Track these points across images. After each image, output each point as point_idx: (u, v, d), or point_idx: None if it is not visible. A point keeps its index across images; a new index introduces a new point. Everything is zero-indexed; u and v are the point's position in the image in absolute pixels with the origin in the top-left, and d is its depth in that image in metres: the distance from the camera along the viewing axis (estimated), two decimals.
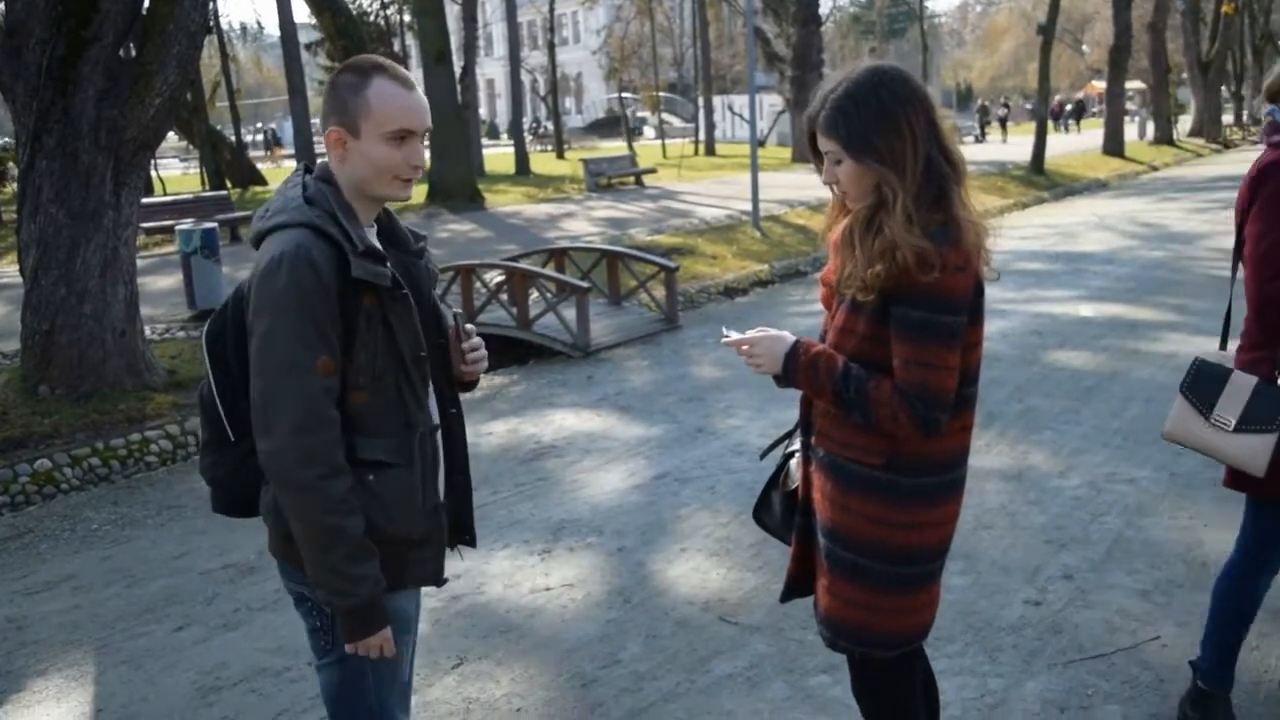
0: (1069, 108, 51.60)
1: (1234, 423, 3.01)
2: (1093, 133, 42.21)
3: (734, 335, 2.56)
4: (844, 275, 2.38)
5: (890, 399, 2.30)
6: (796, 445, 2.69)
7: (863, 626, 2.49)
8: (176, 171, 40.34)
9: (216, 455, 2.40)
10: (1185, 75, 42.66)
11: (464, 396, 2.58)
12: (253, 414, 2.20)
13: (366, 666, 2.35)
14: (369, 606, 2.23)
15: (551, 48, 37.85)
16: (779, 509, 2.77)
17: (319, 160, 2.39)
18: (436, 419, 2.44)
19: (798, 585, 2.69)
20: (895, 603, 2.47)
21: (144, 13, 8.06)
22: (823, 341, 2.51)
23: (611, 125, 53.58)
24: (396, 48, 36.79)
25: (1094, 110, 60.26)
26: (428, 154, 2.39)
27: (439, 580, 2.45)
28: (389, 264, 2.28)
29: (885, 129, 2.30)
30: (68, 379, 7.87)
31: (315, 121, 29.13)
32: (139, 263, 8.98)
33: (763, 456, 2.93)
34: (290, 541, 2.29)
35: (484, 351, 2.54)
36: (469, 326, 2.53)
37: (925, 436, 2.32)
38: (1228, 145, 38.63)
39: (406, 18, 35.83)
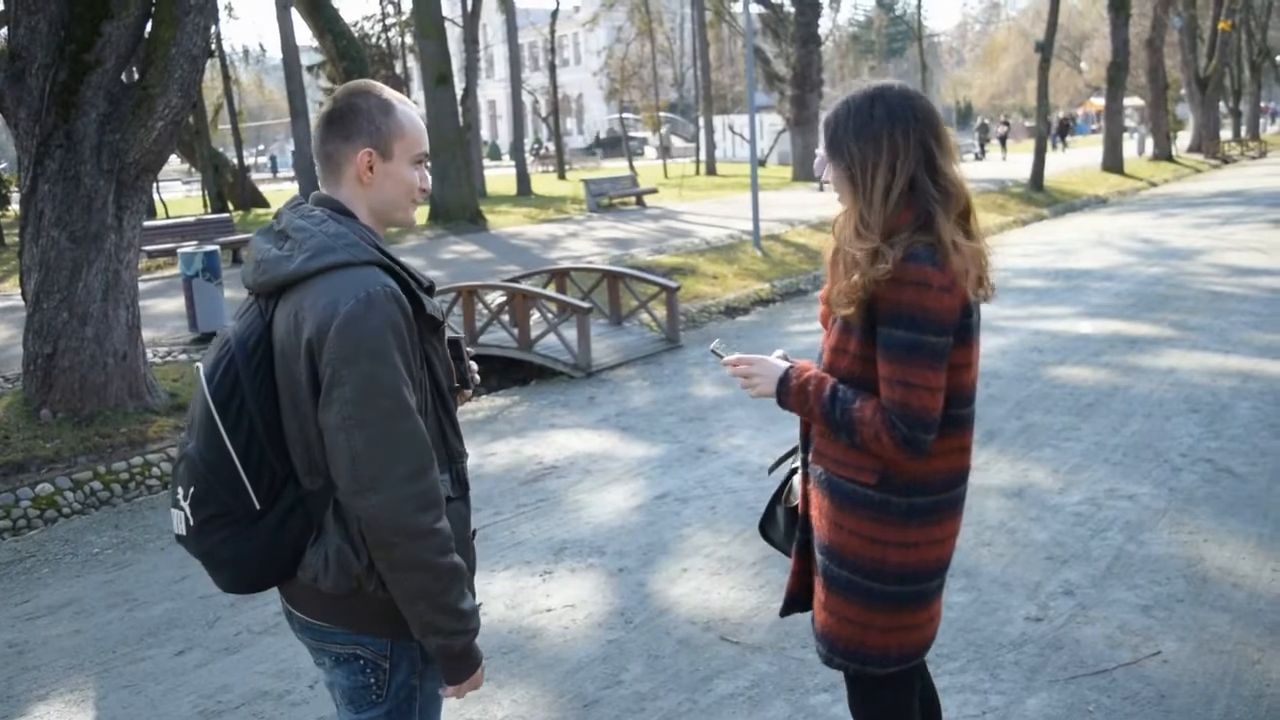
0: (1055, 125, 51.50)
1: None
2: (1079, 150, 42.29)
3: (733, 355, 2.61)
4: (833, 293, 2.42)
5: (873, 418, 2.32)
6: (797, 461, 2.72)
7: (858, 644, 2.50)
8: (179, 194, 40.47)
9: (233, 530, 2.13)
10: (1183, 91, 42.77)
11: (462, 417, 2.59)
12: (353, 469, 2.02)
13: (414, 711, 2.30)
14: (475, 643, 2.19)
15: (552, 69, 37.98)
16: (783, 524, 2.79)
17: (315, 191, 2.31)
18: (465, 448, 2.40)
19: (797, 600, 2.71)
20: (890, 620, 2.48)
21: (146, 37, 8.12)
22: (820, 360, 2.54)
23: (613, 145, 53.78)
24: (398, 70, 36.97)
25: (1092, 128, 60.40)
26: None
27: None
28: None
29: (862, 137, 2.34)
30: (69, 402, 7.89)
31: None
32: (141, 285, 9.02)
33: (770, 471, 2.95)
34: (351, 600, 2.17)
35: (478, 378, 2.54)
36: (468, 349, 2.53)
37: (908, 456, 2.33)
38: (1226, 161, 38.67)
39: (408, 40, 35.98)
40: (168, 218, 24.02)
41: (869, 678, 2.56)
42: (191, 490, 2.13)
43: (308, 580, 2.18)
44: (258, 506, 2.13)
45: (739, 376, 2.59)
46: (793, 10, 33.12)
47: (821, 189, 27.75)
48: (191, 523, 2.14)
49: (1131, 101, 46.63)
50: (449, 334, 2.45)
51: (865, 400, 2.34)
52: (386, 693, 2.26)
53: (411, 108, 2.27)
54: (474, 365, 2.51)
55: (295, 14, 23.96)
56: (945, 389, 2.32)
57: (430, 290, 2.24)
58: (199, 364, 2.19)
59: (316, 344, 2.03)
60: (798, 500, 2.67)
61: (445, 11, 24.98)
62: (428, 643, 2.16)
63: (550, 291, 11.22)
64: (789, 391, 2.48)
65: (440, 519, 2.08)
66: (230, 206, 27.66)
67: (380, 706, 2.27)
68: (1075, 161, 36.22)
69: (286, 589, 2.26)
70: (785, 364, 2.53)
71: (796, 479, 2.72)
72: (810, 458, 2.56)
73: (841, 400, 2.37)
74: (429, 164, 2.36)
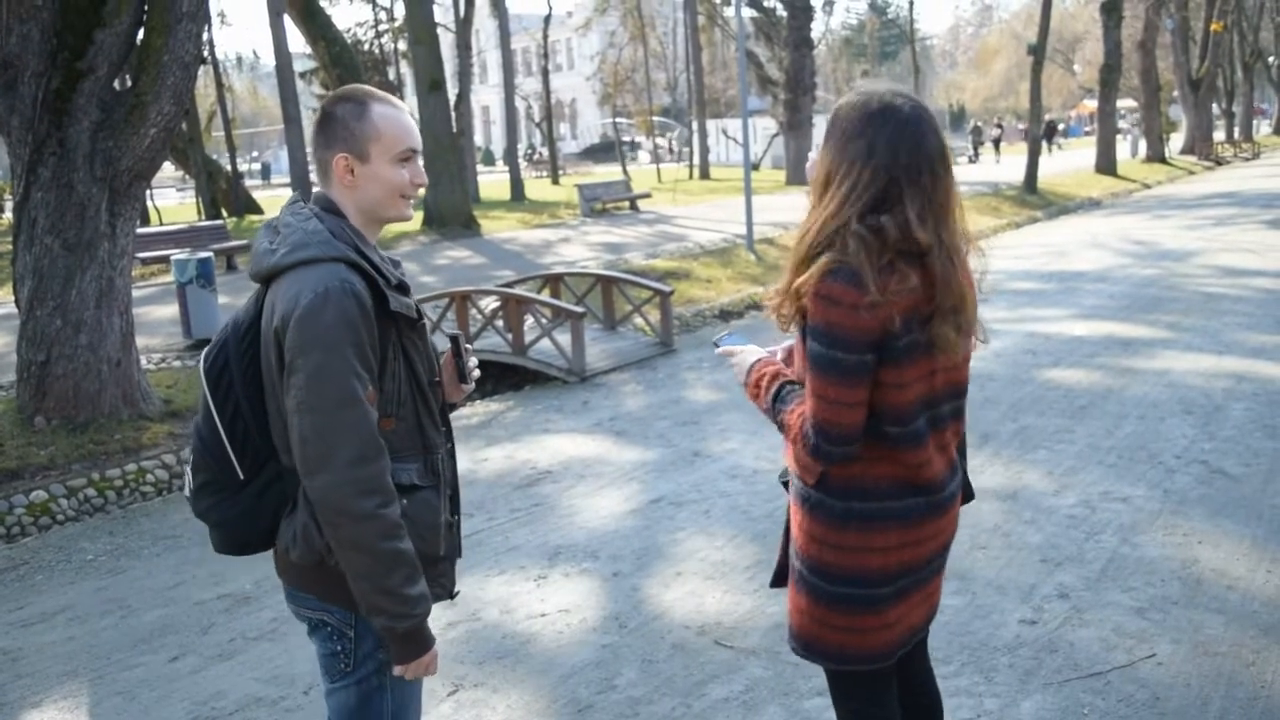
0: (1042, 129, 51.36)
1: None
2: (1073, 153, 42.32)
3: (727, 345, 2.70)
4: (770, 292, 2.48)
5: (796, 424, 2.37)
6: None
7: (811, 636, 2.52)
8: (173, 201, 40.42)
9: (220, 496, 2.35)
10: (1176, 93, 42.87)
11: (455, 422, 2.60)
12: (302, 450, 2.18)
13: (386, 687, 2.40)
14: (423, 627, 2.28)
15: (546, 74, 37.98)
16: None
17: (313, 190, 2.40)
18: (448, 439, 2.50)
19: (782, 575, 2.72)
20: (839, 620, 2.47)
21: (138, 44, 8.12)
22: None
23: (606, 150, 53.79)
24: (391, 76, 36.94)
25: (1085, 130, 60.48)
26: None
27: (452, 594, 2.52)
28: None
29: (841, 152, 2.30)
30: (63, 410, 7.87)
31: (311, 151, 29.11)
32: (135, 292, 9.01)
33: None
34: (317, 571, 2.31)
35: (478, 373, 2.61)
36: (468, 346, 2.59)
37: (819, 465, 2.37)
38: (1219, 162, 38.75)
39: (401, 46, 35.98)
40: (161, 224, 24.00)
41: (836, 674, 2.61)
42: (192, 458, 2.39)
43: (282, 550, 2.38)
44: (242, 477, 2.33)
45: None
46: (785, 14, 33.15)
47: None
48: (192, 486, 2.39)
49: (1124, 103, 46.70)
50: (450, 331, 2.60)
51: (799, 404, 2.38)
52: (354, 663, 2.38)
53: (392, 106, 2.34)
54: (474, 360, 2.59)
55: (288, 21, 23.96)
56: (872, 405, 2.30)
57: (402, 288, 2.34)
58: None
59: (281, 332, 2.20)
60: None
61: (438, 17, 24.99)
62: (373, 621, 2.26)
63: (544, 296, 11.21)
64: (750, 383, 2.57)
65: (385, 506, 2.19)
66: (224, 213, 27.63)
67: (350, 677, 2.39)
68: (1069, 164, 36.29)
69: (275, 558, 2.44)
70: (757, 356, 2.60)
71: None
72: (783, 452, 2.60)
73: (783, 401, 2.45)
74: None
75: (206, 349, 2.36)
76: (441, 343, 2.55)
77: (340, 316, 2.15)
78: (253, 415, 2.29)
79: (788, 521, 2.66)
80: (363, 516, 2.16)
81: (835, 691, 2.67)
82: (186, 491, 2.42)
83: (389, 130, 2.30)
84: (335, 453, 2.15)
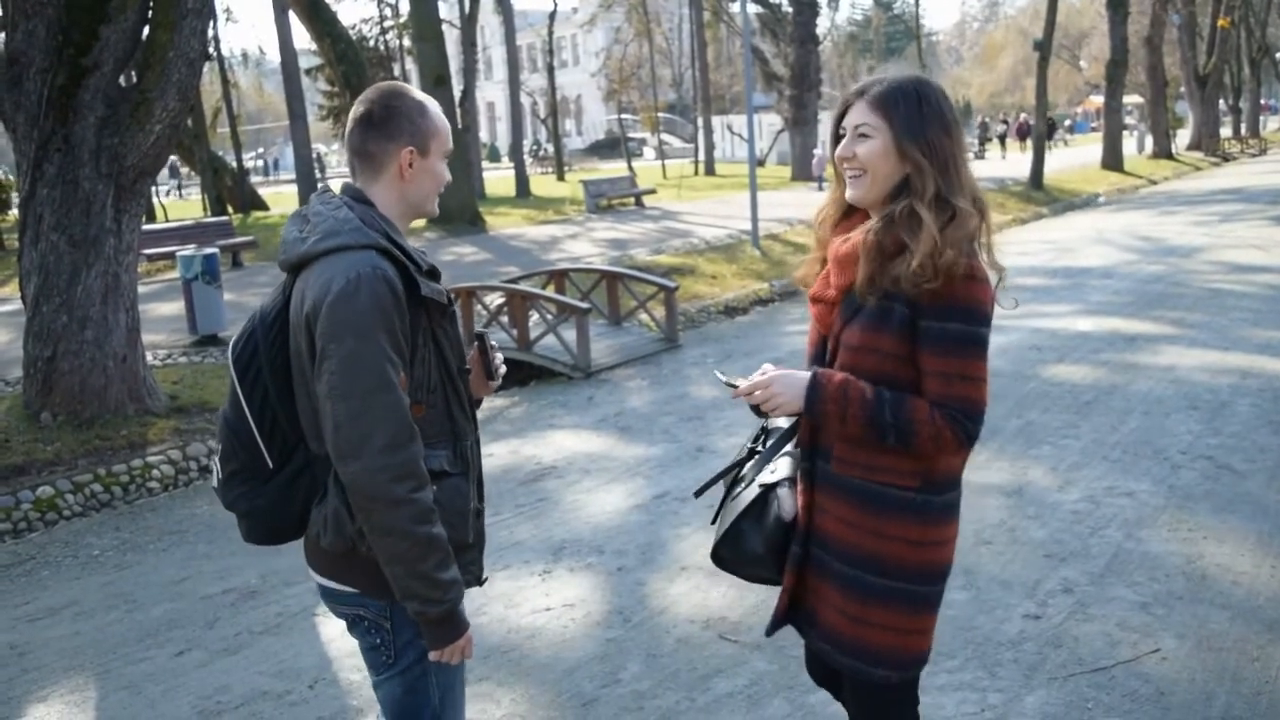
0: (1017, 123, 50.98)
1: None
2: (1080, 149, 42.23)
3: (740, 382, 2.45)
4: (863, 281, 2.28)
5: (931, 418, 2.23)
6: (779, 474, 2.50)
7: (900, 649, 2.39)
8: (174, 198, 40.44)
9: (250, 486, 2.37)
10: (1183, 89, 42.77)
11: None
12: (335, 436, 2.19)
13: (430, 674, 2.42)
14: (456, 611, 2.30)
15: (551, 70, 37.99)
16: (763, 542, 2.47)
17: (339, 183, 2.44)
18: (475, 428, 2.52)
19: (788, 619, 2.54)
20: (926, 623, 2.41)
21: (143, 40, 8.12)
22: (821, 362, 2.43)
23: (611, 146, 53.76)
24: (396, 72, 36.97)
25: (1092, 125, 60.33)
26: None
27: (481, 580, 2.55)
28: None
29: (938, 126, 2.32)
30: (70, 405, 7.89)
31: (318, 146, 29.20)
32: (141, 289, 9.02)
33: (699, 493, 2.75)
34: (348, 560, 2.33)
35: (504, 369, 2.65)
36: (494, 343, 2.63)
37: (964, 451, 2.31)
38: (1226, 158, 38.66)
39: (406, 42, 35.99)
40: (167, 221, 24.03)
41: (898, 684, 2.44)
42: (220, 447, 2.40)
43: (313, 537, 2.39)
44: (271, 465, 2.35)
45: (759, 401, 2.38)
46: (790, 10, 33.13)
47: (820, 188, 27.73)
48: (220, 476, 2.40)
49: (1131, 99, 46.61)
50: (477, 328, 2.63)
51: (914, 400, 2.26)
52: (394, 654, 2.41)
53: (439, 108, 2.44)
54: (500, 357, 2.64)
55: (293, 17, 23.96)
56: None
57: (433, 274, 2.37)
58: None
59: (312, 319, 2.21)
60: (791, 513, 2.45)
61: (443, 14, 25.00)
62: (407, 606, 2.28)
63: (549, 292, 11.22)
64: (823, 398, 2.29)
65: (418, 490, 2.21)
66: (230, 209, 27.65)
67: (394, 668, 2.43)
68: (1075, 160, 36.19)
69: (306, 547, 2.45)
70: (806, 373, 2.36)
71: (783, 491, 2.48)
72: (834, 466, 2.39)
73: (891, 402, 2.25)
74: None
75: (234, 338, 2.38)
76: None
77: (373, 302, 2.17)
78: (281, 403, 2.32)
79: (800, 559, 2.46)
80: (396, 501, 2.17)
81: (891, 706, 2.50)
82: (214, 482, 2.44)
83: (443, 129, 2.40)
84: (369, 438, 2.16)
